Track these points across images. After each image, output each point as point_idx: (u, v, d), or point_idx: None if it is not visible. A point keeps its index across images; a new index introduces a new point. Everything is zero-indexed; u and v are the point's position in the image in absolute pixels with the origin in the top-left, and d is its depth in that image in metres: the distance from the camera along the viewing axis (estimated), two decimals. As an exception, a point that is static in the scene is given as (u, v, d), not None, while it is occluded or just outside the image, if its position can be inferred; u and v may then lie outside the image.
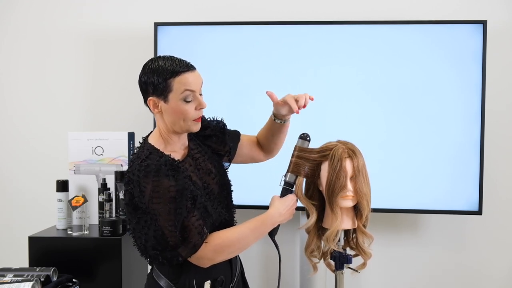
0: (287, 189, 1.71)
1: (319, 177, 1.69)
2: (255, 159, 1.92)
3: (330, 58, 2.55)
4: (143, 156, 1.56)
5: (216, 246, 1.57)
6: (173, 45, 2.60)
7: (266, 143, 1.88)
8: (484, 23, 2.47)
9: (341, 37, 2.55)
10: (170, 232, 1.50)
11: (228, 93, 2.61)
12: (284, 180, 1.71)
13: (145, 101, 1.62)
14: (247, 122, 2.57)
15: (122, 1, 2.85)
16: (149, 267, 1.73)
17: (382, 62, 2.53)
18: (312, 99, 1.72)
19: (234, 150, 1.83)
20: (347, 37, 2.54)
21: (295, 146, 1.73)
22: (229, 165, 1.84)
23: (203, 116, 1.71)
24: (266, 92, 1.75)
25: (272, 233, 1.70)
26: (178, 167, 1.54)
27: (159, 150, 1.60)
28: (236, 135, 1.86)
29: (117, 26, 2.85)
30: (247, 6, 2.77)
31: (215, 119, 1.82)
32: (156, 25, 2.62)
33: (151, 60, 1.60)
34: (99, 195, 2.39)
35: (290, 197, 1.69)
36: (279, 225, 1.70)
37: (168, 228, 1.50)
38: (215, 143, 1.79)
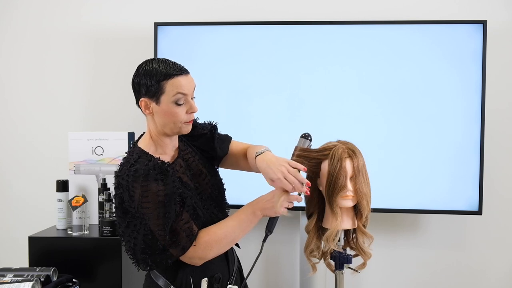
0: None
1: (319, 177, 1.70)
2: (243, 168, 1.86)
3: (330, 58, 2.55)
4: (132, 161, 1.56)
5: (206, 243, 1.57)
6: (173, 45, 2.60)
7: (252, 167, 1.80)
8: (484, 23, 2.47)
9: (341, 37, 2.55)
10: (159, 235, 1.52)
11: (228, 93, 2.61)
12: None
13: (137, 102, 1.62)
14: (247, 122, 2.58)
15: (122, 1, 2.85)
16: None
17: (382, 62, 2.53)
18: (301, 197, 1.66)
19: (223, 150, 1.80)
20: (347, 37, 2.54)
21: (296, 146, 1.73)
22: (217, 167, 1.82)
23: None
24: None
25: (268, 228, 1.66)
26: (167, 171, 1.54)
27: (148, 153, 1.60)
28: (227, 139, 1.83)
29: (117, 26, 2.85)
30: (247, 6, 2.77)
31: (207, 122, 1.81)
32: (156, 25, 2.62)
33: (145, 62, 1.61)
34: (99, 195, 2.39)
35: (277, 193, 1.62)
36: (276, 220, 1.66)
37: (157, 232, 1.51)
38: (203, 144, 1.78)
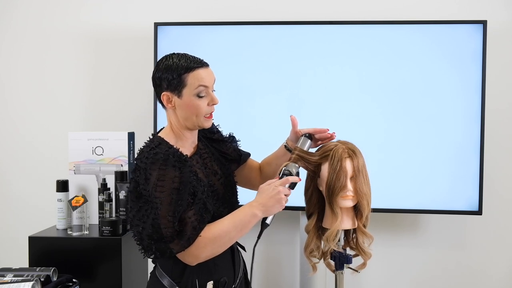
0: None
1: (319, 177, 1.69)
2: (251, 184, 1.88)
3: (330, 58, 2.55)
4: (152, 145, 1.58)
5: (199, 241, 1.54)
6: (173, 45, 2.60)
7: (269, 172, 1.84)
8: (484, 23, 2.47)
9: (341, 37, 2.55)
10: (168, 222, 1.51)
11: (228, 93, 2.60)
12: (282, 170, 1.68)
13: (158, 97, 1.64)
14: (247, 122, 2.58)
15: (122, 1, 2.85)
16: (150, 267, 1.73)
17: (382, 62, 2.53)
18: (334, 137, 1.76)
19: (245, 157, 1.85)
20: (347, 37, 2.54)
21: (295, 147, 1.72)
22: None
23: (212, 123, 1.74)
24: (290, 116, 1.77)
25: (264, 224, 1.63)
26: (185, 161, 1.56)
27: (168, 142, 1.61)
28: (248, 154, 1.88)
29: (117, 26, 2.85)
30: (247, 6, 2.77)
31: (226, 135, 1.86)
32: (156, 25, 2.62)
33: (165, 57, 1.63)
34: (99, 195, 2.39)
35: (271, 184, 1.61)
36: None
37: (167, 218, 1.51)
38: (222, 147, 1.81)
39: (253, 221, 1.60)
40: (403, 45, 2.52)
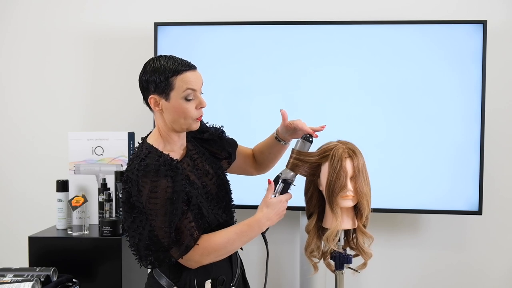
0: (283, 185, 1.70)
1: (319, 177, 1.69)
2: (246, 171, 1.94)
3: (330, 58, 2.55)
4: (142, 155, 1.56)
5: (204, 250, 1.58)
6: (173, 45, 2.60)
7: (262, 159, 1.90)
8: (484, 23, 2.47)
9: (341, 37, 2.55)
10: (165, 233, 1.51)
11: (228, 93, 2.61)
12: (280, 176, 1.70)
13: (145, 100, 1.63)
14: (247, 122, 2.58)
15: (122, 1, 2.85)
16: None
17: (382, 62, 2.53)
18: (323, 128, 1.76)
19: (234, 155, 1.84)
20: (347, 37, 2.54)
21: (293, 149, 1.72)
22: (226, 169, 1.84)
23: (202, 120, 1.72)
24: (280, 110, 1.78)
25: (263, 233, 1.70)
26: (176, 167, 1.55)
27: (157, 149, 1.60)
28: (233, 142, 1.87)
29: (117, 26, 2.85)
30: (247, 6, 2.77)
31: (213, 126, 1.83)
32: (156, 25, 2.62)
33: (152, 59, 1.61)
34: (99, 195, 2.39)
35: (280, 200, 1.66)
36: None
37: (163, 228, 1.51)
38: (213, 146, 1.80)
39: (259, 232, 1.67)
40: (403, 45, 2.52)
